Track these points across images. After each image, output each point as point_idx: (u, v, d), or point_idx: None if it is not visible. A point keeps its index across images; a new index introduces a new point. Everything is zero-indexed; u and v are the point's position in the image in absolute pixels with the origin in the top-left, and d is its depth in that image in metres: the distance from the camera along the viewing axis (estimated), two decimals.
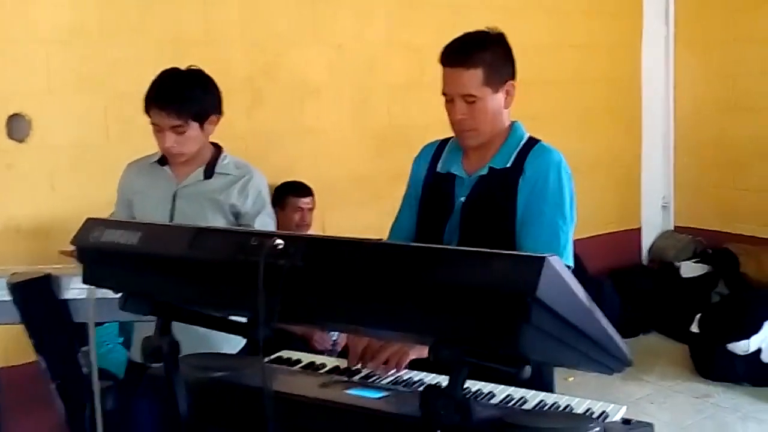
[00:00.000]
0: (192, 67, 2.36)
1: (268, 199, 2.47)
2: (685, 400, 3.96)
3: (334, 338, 3.45)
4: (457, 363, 1.09)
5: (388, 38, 4.30)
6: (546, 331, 1.02)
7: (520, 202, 1.90)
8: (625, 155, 5.28)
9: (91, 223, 1.52)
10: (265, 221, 2.41)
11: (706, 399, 3.97)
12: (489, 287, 0.99)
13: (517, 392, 1.52)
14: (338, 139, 4.23)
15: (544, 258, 0.98)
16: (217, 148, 2.45)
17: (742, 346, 4.00)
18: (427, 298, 1.04)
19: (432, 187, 2.06)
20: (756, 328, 4.01)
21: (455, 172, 2.01)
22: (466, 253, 1.03)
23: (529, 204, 1.89)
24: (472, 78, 1.89)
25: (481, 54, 1.90)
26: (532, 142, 1.99)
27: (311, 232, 3.82)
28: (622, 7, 5.17)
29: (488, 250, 1.01)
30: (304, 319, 1.28)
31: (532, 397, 1.49)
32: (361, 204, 4.33)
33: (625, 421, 1.36)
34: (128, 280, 1.43)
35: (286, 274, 1.17)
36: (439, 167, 2.07)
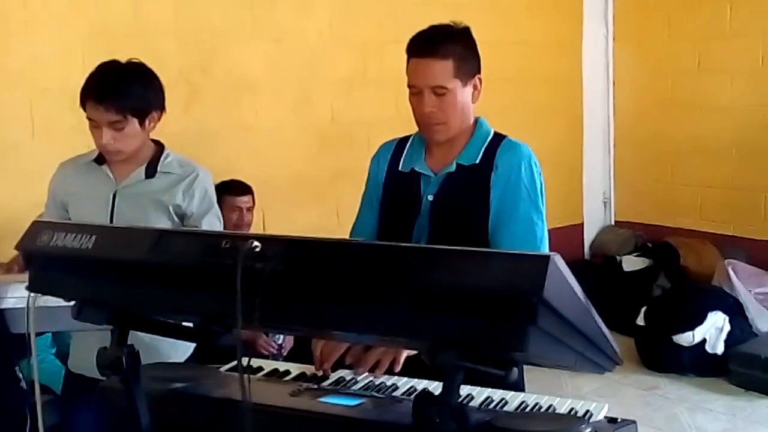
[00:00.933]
0: (132, 60, 2.25)
1: (214, 198, 2.39)
2: (633, 392, 4.05)
3: (279, 342, 3.37)
4: (454, 368, 1.05)
5: (329, 33, 4.24)
6: (550, 333, 1.00)
7: (493, 199, 1.89)
8: (567, 152, 5.37)
9: (39, 226, 1.42)
10: (213, 222, 2.34)
11: (654, 391, 4.06)
12: (492, 289, 0.95)
13: (495, 393, 1.50)
14: (278, 136, 4.15)
15: (548, 257, 0.95)
16: (159, 146, 2.35)
17: (687, 338, 4.11)
18: (425, 301, 1.00)
19: (394, 186, 2.03)
20: (700, 320, 4.13)
21: (420, 170, 1.98)
22: (465, 253, 1.00)
23: (503, 200, 1.89)
24: (444, 69, 1.86)
25: (451, 45, 1.88)
26: (499, 137, 1.98)
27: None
28: (563, 6, 5.25)
29: (488, 250, 0.99)
30: (283, 326, 1.22)
31: (512, 399, 1.48)
32: (301, 203, 4.27)
33: (611, 420, 1.35)
34: (83, 288, 1.34)
35: (265, 279, 1.12)
36: (401, 166, 2.04)
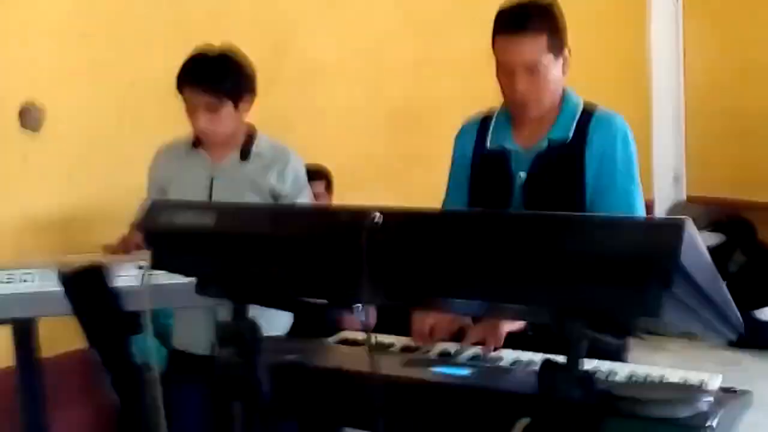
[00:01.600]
0: (228, 46, 2.31)
1: (306, 181, 2.43)
2: (714, 369, 3.95)
3: (361, 319, 3.40)
4: (580, 336, 1.05)
5: (396, 15, 4.23)
6: (683, 300, 0.99)
7: (588, 176, 1.85)
8: (635, 126, 5.24)
9: (159, 205, 1.48)
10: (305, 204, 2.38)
11: (735, 366, 3.98)
12: (627, 255, 0.95)
13: (603, 364, 1.49)
14: (350, 120, 4.18)
15: (682, 222, 0.94)
16: (252, 130, 2.41)
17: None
18: (556, 269, 1.01)
19: (484, 164, 1.99)
20: None
21: (509, 147, 1.94)
22: (598, 220, 1.00)
23: (600, 176, 1.84)
24: (537, 44, 1.81)
25: (542, 19, 1.84)
26: (590, 108, 1.93)
27: None
28: None
29: (621, 216, 0.98)
30: (408, 299, 1.24)
31: (620, 369, 1.46)
32: (373, 188, 4.28)
33: (727, 390, 1.34)
34: (205, 264, 1.39)
35: (389, 251, 1.14)
36: (489, 144, 1.99)
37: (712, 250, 4.54)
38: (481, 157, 2.00)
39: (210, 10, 3.69)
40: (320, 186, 3.56)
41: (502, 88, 1.92)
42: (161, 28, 3.54)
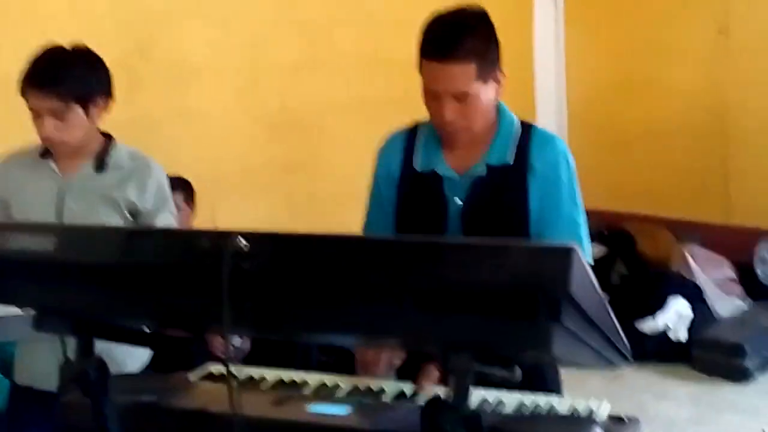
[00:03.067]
0: (77, 45, 2.15)
1: (169, 194, 2.30)
2: (597, 381, 4.06)
3: (236, 344, 3.28)
4: (467, 371, 1.00)
5: (275, 13, 4.14)
6: (572, 331, 0.96)
7: (533, 202, 1.78)
8: None
9: None
10: (168, 220, 2.26)
11: (618, 379, 4.10)
12: (512, 284, 0.91)
13: (489, 394, 1.46)
14: (224, 125, 4.05)
15: (572, 248, 0.91)
16: (108, 138, 2.26)
17: (649, 325, 4.17)
18: (437, 300, 0.95)
19: (414, 187, 1.88)
20: (662, 306, 4.19)
21: (442, 173, 1.84)
22: (481, 246, 0.95)
23: (543, 202, 1.79)
24: (465, 73, 1.70)
25: (472, 42, 1.71)
26: (527, 128, 1.86)
27: None
28: None
29: (506, 241, 0.93)
30: (276, 330, 1.16)
31: (509, 399, 1.44)
32: (251, 196, 4.17)
33: (616, 419, 1.33)
34: (43, 294, 1.25)
35: (254, 279, 1.05)
36: (418, 165, 1.88)
37: (595, 261, 4.68)
38: (409, 179, 1.89)
39: (65, 3, 3.49)
40: (179, 198, 3.40)
41: (429, 111, 1.82)
42: (10, 23, 3.31)
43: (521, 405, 1.40)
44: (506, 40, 5.90)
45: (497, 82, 1.79)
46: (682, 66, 4.94)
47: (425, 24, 1.77)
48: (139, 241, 1.18)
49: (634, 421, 1.33)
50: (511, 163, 1.80)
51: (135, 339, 1.37)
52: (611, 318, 1.10)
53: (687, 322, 4.28)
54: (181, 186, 3.47)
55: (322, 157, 4.17)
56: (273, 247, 1.07)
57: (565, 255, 0.90)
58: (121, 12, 3.64)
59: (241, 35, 4.03)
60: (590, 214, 5.78)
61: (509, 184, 1.80)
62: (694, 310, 4.30)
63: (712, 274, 4.60)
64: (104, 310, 1.26)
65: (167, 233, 1.30)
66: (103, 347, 1.43)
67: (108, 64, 2.21)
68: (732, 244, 4.70)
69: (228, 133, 4.04)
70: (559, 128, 5.59)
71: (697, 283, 4.49)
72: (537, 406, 1.40)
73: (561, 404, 1.41)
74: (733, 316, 4.41)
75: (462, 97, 1.72)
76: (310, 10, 4.21)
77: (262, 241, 1.08)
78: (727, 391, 3.97)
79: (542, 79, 5.46)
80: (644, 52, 5.08)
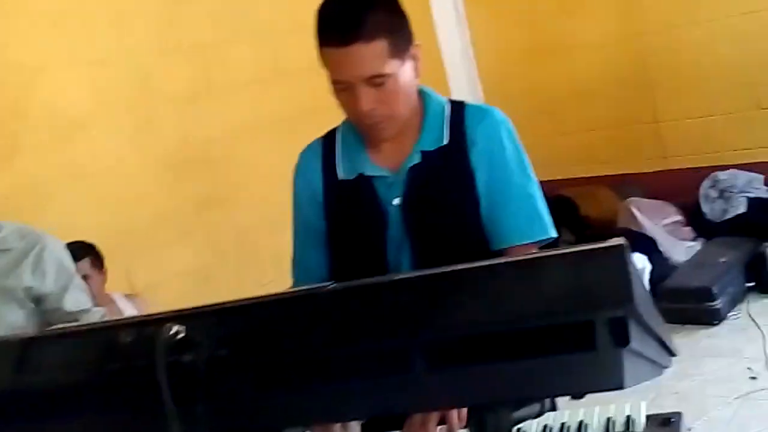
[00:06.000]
0: None
1: (73, 268, 2.02)
2: None
3: None
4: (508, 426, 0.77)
5: (158, 43, 3.81)
6: (637, 351, 0.73)
7: (479, 180, 1.58)
8: None
9: None
10: (78, 298, 1.98)
11: None
12: (557, 311, 0.67)
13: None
14: (123, 173, 3.70)
15: (622, 247, 0.68)
16: None
17: None
18: (454, 352, 0.71)
19: (340, 201, 1.66)
20: None
21: (371, 173, 1.63)
22: (500, 269, 0.71)
23: (492, 179, 1.59)
24: (376, 52, 1.48)
25: (378, 17, 1.49)
26: (459, 105, 1.66)
27: (115, 297, 3.30)
28: None
29: (534, 256, 0.70)
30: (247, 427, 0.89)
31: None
32: (168, 245, 3.83)
33: (659, 420, 1.12)
34: None
35: (205, 372, 0.79)
36: (341, 174, 1.66)
37: None
38: (335, 191, 1.67)
39: None
40: (86, 266, 3.06)
41: (343, 107, 1.59)
42: None
43: (547, 427, 1.18)
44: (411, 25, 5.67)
45: (414, 59, 1.59)
46: (594, 19, 4.83)
47: (319, 8, 1.54)
48: (38, 351, 0.90)
49: (676, 417, 1.13)
50: (448, 144, 1.61)
51: None
52: (660, 316, 0.89)
53: (647, 276, 4.18)
54: (86, 251, 3.13)
55: (238, 186, 3.89)
56: (219, 326, 0.81)
57: (618, 257, 0.67)
58: None
59: (125, 73, 3.69)
60: None
61: (451, 166, 1.61)
62: (651, 261, 4.21)
63: (660, 222, 4.52)
64: None
65: (74, 333, 1.01)
66: None
67: None
68: (674, 188, 4.63)
69: (129, 182, 3.69)
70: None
71: (649, 234, 4.40)
72: (564, 425, 1.18)
73: (590, 417, 1.19)
74: (689, 260, 4.34)
75: (377, 81, 1.51)
76: (195, 32, 3.89)
77: (202, 320, 0.82)
78: (702, 336, 3.89)
79: (450, 59, 5.30)
80: (553, 9, 4.94)
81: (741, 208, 4.43)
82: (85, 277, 3.03)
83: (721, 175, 4.51)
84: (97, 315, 2.03)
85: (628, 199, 4.61)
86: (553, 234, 1.64)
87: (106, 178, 3.62)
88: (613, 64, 4.82)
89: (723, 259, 4.17)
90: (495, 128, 1.62)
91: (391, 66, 1.51)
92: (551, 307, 0.68)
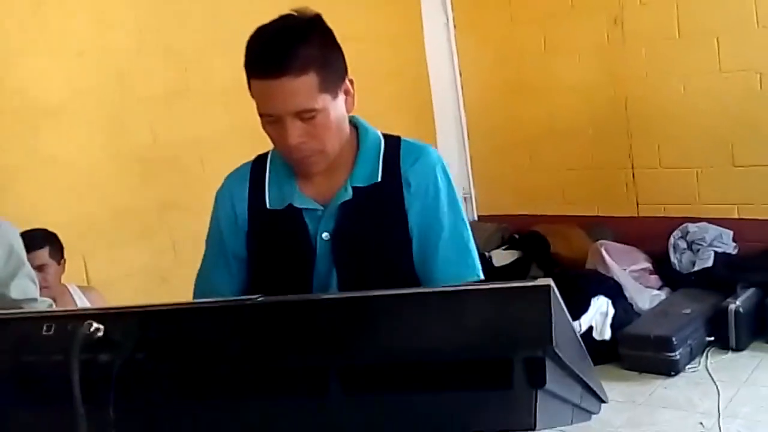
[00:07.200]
0: None
1: (24, 255, 1.99)
2: None
3: None
4: None
5: (138, 42, 3.80)
6: (554, 393, 0.74)
7: (412, 221, 1.57)
8: None
9: None
10: (26, 286, 1.95)
11: None
12: (476, 346, 0.67)
13: None
14: (89, 167, 3.66)
15: (548, 288, 0.68)
16: None
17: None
18: (375, 378, 0.71)
19: (266, 230, 1.63)
20: (584, 307, 4.09)
21: (300, 206, 1.60)
22: (425, 298, 0.71)
23: (425, 220, 1.58)
24: (305, 87, 1.46)
25: (307, 50, 1.46)
26: (394, 141, 1.65)
27: (70, 289, 3.25)
28: None
29: (458, 288, 0.70)
30: None
31: None
32: (128, 243, 3.80)
33: None
34: None
35: (117, 375, 0.78)
36: (270, 202, 1.63)
37: (510, 267, 4.52)
38: (260, 219, 1.63)
39: None
40: (44, 255, 3.02)
41: (271, 139, 1.55)
42: None
43: None
44: (399, 51, 5.76)
45: (347, 93, 1.57)
46: (578, 61, 4.90)
47: (249, 38, 1.52)
48: None
49: None
50: (381, 181, 1.59)
51: None
52: (589, 361, 0.89)
53: (610, 320, 4.20)
54: (46, 240, 3.09)
55: (203, 191, 3.84)
56: (139, 329, 0.80)
57: (542, 298, 0.67)
58: None
59: (100, 68, 3.66)
60: (501, 219, 5.73)
61: (383, 204, 1.59)
62: (615, 306, 4.22)
63: (628, 267, 4.55)
64: None
65: None
66: None
67: None
68: (644, 235, 4.67)
69: (94, 175, 3.65)
70: (460, 136, 5.51)
71: (616, 278, 4.42)
72: None
73: None
74: (653, 308, 4.36)
75: (307, 116, 1.48)
76: (176, 36, 3.89)
77: (123, 321, 0.81)
78: (659, 386, 3.89)
79: (438, 89, 5.36)
80: (539, 50, 5.01)
81: (708, 261, 4.46)
82: (42, 266, 3.01)
83: (692, 227, 4.55)
84: (43, 306, 2.00)
85: (598, 241, 4.63)
86: (481, 275, 1.63)
87: (73, 169, 3.59)
88: (593, 107, 4.88)
89: (686, 311, 4.18)
90: (431, 169, 1.61)
91: (321, 101, 1.48)
92: (471, 342, 0.68)
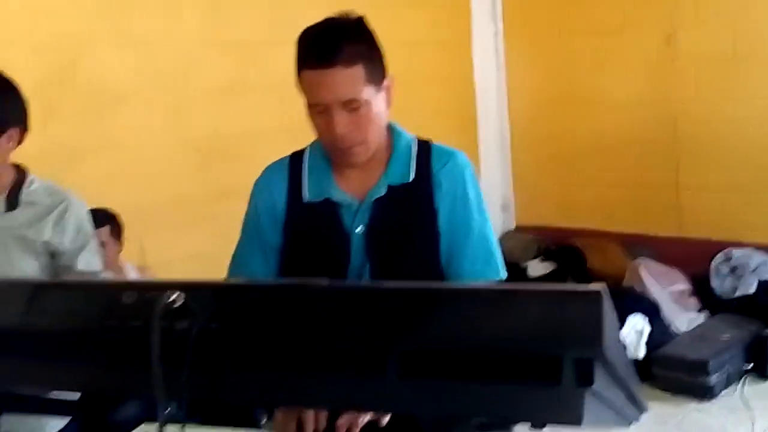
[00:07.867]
0: None
1: (91, 232, 2.07)
2: None
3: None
4: None
5: (201, 35, 3.90)
6: (599, 394, 0.77)
7: (441, 219, 1.64)
8: None
9: None
10: (91, 261, 2.03)
11: None
12: (528, 344, 0.71)
13: None
14: (152, 153, 3.78)
15: (599, 294, 0.72)
16: (21, 172, 2.03)
17: None
18: (429, 365, 0.75)
19: (303, 222, 1.69)
20: (620, 325, 4.07)
21: (337, 200, 1.66)
22: (483, 294, 0.75)
23: (454, 221, 1.65)
24: (354, 78, 1.54)
25: (357, 46, 1.56)
26: (425, 145, 1.73)
27: (126, 267, 3.36)
28: (449, 3, 5.13)
29: (515, 288, 0.74)
30: (224, 398, 0.94)
31: None
32: (183, 227, 3.90)
33: None
34: None
35: (193, 342, 0.84)
36: (307, 196, 1.69)
37: (545, 279, 4.50)
38: (299, 212, 1.69)
39: None
40: (105, 233, 3.14)
41: (317, 130, 1.63)
42: None
43: None
44: (446, 59, 5.77)
45: (387, 91, 1.65)
46: (628, 77, 4.86)
47: (300, 35, 1.61)
48: (47, 296, 0.95)
49: None
50: (413, 181, 1.67)
51: (54, 409, 1.13)
52: (632, 367, 0.92)
53: (645, 339, 4.17)
54: (107, 220, 3.21)
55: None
56: (215, 300, 0.85)
57: (594, 303, 0.71)
58: (38, 36, 3.36)
59: (166, 59, 3.78)
60: (539, 230, 5.69)
61: (415, 202, 1.67)
62: (652, 326, 4.19)
63: (667, 288, 4.51)
64: (8, 380, 1.03)
65: (82, 286, 1.07)
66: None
67: (24, 92, 1.99)
68: (686, 256, 4.59)
69: (156, 162, 3.77)
70: (503, 145, 5.50)
71: (653, 298, 4.38)
72: None
73: None
74: (691, 331, 4.30)
75: (353, 106, 1.56)
76: (239, 30, 3.99)
77: (200, 293, 0.87)
78: (692, 409, 3.84)
79: (483, 97, 5.34)
80: (588, 64, 4.98)
81: (751, 288, 4.38)
82: (102, 244, 3.12)
83: (736, 252, 4.47)
84: None
85: (637, 259, 4.60)
86: (503, 275, 1.70)
87: (136, 153, 3.70)
88: (640, 125, 4.82)
89: (725, 336, 4.11)
90: (459, 171, 1.69)
91: (367, 92, 1.56)
92: (525, 338, 0.72)
